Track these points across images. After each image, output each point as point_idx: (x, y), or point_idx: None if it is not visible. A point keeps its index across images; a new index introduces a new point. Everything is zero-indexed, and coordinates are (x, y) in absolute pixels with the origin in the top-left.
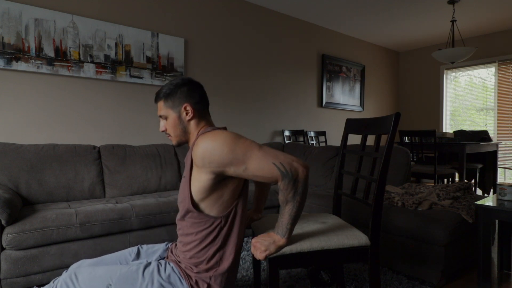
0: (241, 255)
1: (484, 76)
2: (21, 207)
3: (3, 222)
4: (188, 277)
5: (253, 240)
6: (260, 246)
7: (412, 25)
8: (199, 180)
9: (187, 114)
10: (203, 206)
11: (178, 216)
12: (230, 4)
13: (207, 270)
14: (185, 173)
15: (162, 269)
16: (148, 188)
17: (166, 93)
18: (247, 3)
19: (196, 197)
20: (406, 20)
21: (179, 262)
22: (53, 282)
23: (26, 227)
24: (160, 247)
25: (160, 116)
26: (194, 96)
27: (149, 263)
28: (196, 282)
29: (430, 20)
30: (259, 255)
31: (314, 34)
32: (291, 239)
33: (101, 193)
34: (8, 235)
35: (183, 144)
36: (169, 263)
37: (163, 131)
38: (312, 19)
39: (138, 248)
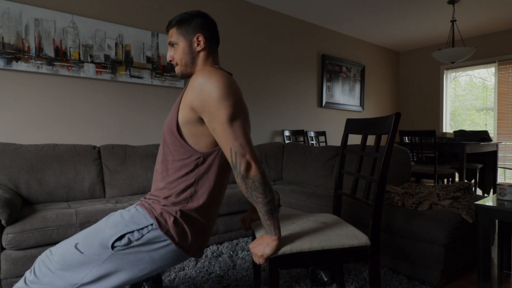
0: (241, 255)
1: (484, 76)
2: (21, 207)
3: (3, 222)
4: (152, 210)
5: (250, 246)
6: (257, 252)
7: (412, 25)
8: (185, 109)
9: (198, 44)
10: (185, 134)
11: (161, 143)
12: (230, 4)
13: (175, 204)
14: (178, 99)
15: (125, 212)
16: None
17: (180, 21)
18: (247, 3)
19: (181, 123)
20: (406, 20)
21: (147, 201)
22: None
23: (26, 227)
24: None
25: (170, 43)
26: (207, 29)
27: (114, 213)
28: (161, 214)
29: (430, 20)
30: (258, 260)
31: (314, 34)
32: (291, 238)
33: (101, 193)
34: (8, 235)
35: (186, 77)
36: (134, 206)
37: (170, 60)
38: (312, 19)
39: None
